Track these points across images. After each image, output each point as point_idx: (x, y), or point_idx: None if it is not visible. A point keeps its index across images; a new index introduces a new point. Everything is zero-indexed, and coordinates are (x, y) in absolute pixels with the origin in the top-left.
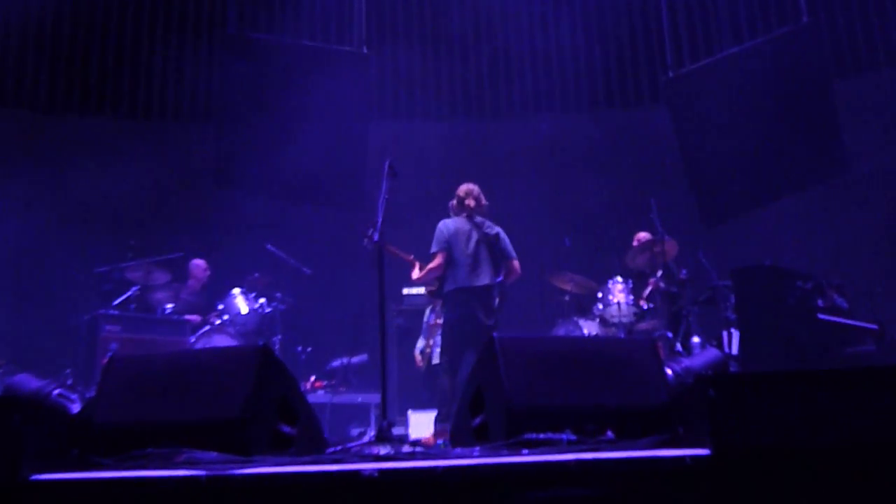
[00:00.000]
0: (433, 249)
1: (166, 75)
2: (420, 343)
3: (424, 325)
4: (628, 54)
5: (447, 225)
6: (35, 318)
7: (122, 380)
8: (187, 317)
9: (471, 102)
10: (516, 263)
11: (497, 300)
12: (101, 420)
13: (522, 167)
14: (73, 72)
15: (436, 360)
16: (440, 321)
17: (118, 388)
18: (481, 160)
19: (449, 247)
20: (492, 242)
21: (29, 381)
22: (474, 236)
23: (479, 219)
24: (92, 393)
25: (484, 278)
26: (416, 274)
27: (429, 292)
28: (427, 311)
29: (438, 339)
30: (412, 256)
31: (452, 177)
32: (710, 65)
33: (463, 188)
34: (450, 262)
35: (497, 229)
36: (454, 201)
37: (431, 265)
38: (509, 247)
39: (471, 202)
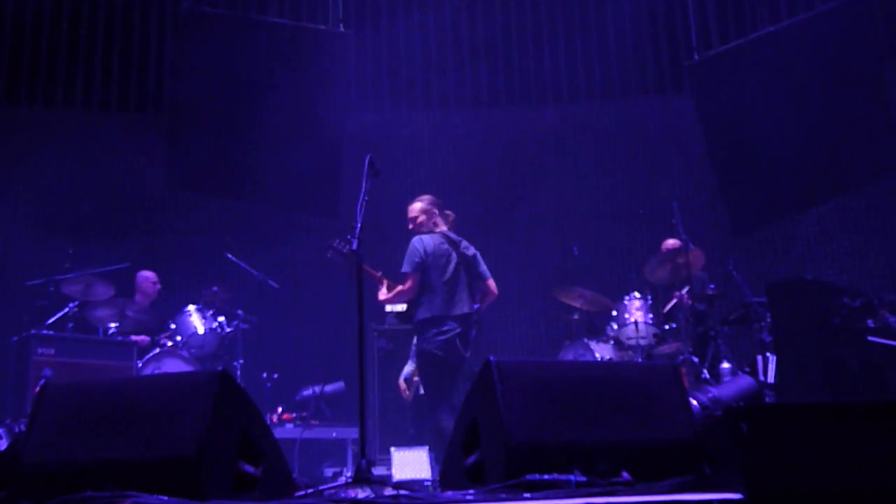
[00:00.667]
0: (406, 270)
1: (109, 59)
2: (407, 369)
3: (413, 349)
4: (647, 33)
5: (424, 243)
6: None
7: (56, 411)
8: (134, 338)
9: (465, 91)
10: (492, 283)
11: (474, 330)
12: (32, 458)
13: (524, 164)
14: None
15: (423, 391)
16: None
17: (52, 421)
18: (476, 157)
19: (425, 269)
20: (469, 264)
21: None
22: (454, 258)
23: (455, 237)
24: (22, 426)
25: (463, 306)
26: (383, 294)
27: (399, 315)
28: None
29: None
30: (380, 273)
31: (444, 175)
32: (742, 46)
33: (431, 200)
34: (425, 287)
35: (473, 249)
36: (422, 215)
37: (402, 288)
38: (485, 267)
39: (443, 216)
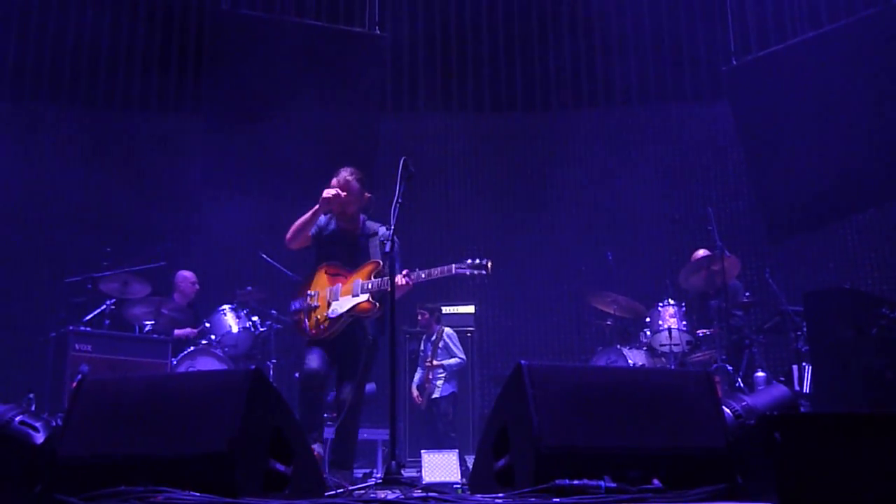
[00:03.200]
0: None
1: (148, 59)
2: (417, 376)
3: (421, 356)
4: (685, 38)
5: None
6: None
7: (92, 406)
8: (178, 332)
9: (499, 93)
10: None
11: None
12: (68, 452)
13: (559, 168)
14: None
15: (436, 395)
16: (436, 361)
17: (88, 415)
18: (510, 159)
19: None
20: None
21: None
22: None
23: None
24: (59, 421)
25: None
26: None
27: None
28: (423, 340)
29: (438, 372)
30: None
31: (477, 177)
32: (781, 52)
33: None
34: None
35: None
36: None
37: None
38: None
39: None
